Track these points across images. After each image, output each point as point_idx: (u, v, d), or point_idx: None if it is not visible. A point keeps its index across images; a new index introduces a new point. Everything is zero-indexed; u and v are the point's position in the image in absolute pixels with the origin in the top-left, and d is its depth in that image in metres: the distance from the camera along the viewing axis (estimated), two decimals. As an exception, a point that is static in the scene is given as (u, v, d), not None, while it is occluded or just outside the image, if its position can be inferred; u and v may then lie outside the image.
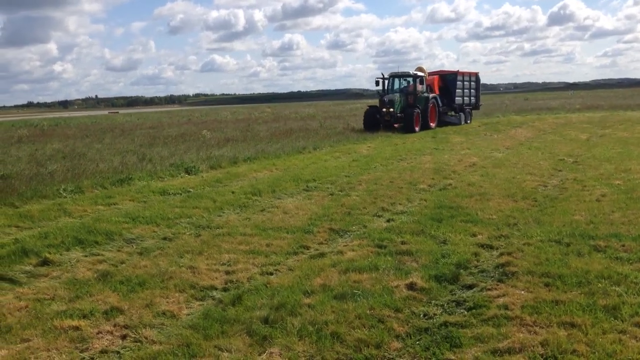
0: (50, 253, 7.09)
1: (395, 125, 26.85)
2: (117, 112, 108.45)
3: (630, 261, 6.26)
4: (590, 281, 5.65)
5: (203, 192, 11.54)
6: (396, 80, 29.37)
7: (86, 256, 7.17)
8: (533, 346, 4.37)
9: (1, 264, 6.72)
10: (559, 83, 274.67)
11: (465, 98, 31.94)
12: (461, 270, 6.14)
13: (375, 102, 29.77)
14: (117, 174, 13.62)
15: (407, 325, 4.85)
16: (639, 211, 8.55)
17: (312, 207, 9.79)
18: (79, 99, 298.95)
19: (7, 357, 4.38)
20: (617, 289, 5.42)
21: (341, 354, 4.37)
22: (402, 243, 7.28)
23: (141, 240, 7.88)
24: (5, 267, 6.63)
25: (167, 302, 5.53)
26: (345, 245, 7.36)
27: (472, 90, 32.87)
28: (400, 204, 9.90)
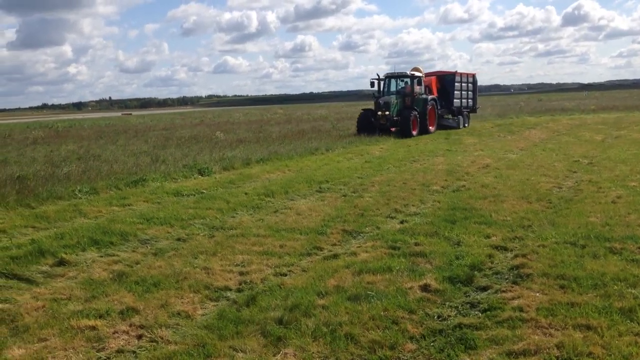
0: (66, 253, 7.16)
1: (392, 129, 25.54)
2: (131, 114, 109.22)
3: (647, 263, 6.20)
4: (606, 283, 5.61)
5: (216, 193, 11.59)
6: (392, 82, 27.76)
7: (101, 256, 7.23)
8: (548, 348, 4.35)
9: (18, 264, 6.79)
10: (573, 84, 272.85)
11: (463, 100, 30.60)
12: (475, 272, 6.12)
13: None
14: (131, 175, 13.72)
15: (422, 326, 4.84)
16: (655, 213, 8.47)
17: (325, 208, 9.80)
18: (92, 101, 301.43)
19: (25, 356, 4.43)
20: (633, 291, 5.38)
21: (355, 355, 4.37)
22: (416, 244, 7.27)
23: (155, 241, 7.93)
24: (22, 267, 6.70)
25: (182, 302, 5.56)
26: (359, 247, 7.37)
27: (469, 92, 31.49)
28: (413, 205, 9.88)
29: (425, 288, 5.68)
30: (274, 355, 4.39)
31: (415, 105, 26.00)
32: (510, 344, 4.46)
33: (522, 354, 4.30)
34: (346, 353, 4.39)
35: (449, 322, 4.93)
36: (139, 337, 4.81)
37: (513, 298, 5.39)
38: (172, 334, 4.83)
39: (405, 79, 27.19)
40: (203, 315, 5.27)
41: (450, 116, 29.82)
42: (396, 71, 27.87)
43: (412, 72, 26.81)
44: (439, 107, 27.95)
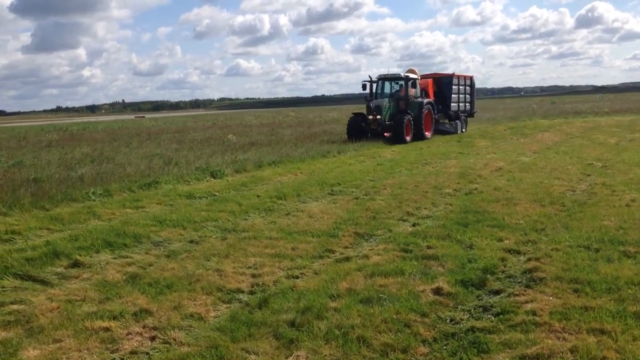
0: (80, 255, 7.22)
1: (386, 135, 24.05)
2: (144, 117, 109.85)
3: (662, 267, 6.14)
4: (620, 287, 5.57)
5: (229, 195, 11.63)
6: (386, 84, 26.32)
7: (115, 258, 7.28)
8: (562, 352, 4.33)
9: (33, 266, 6.85)
10: (587, 86, 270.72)
11: (460, 104, 29.17)
12: (488, 276, 6.10)
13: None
14: (144, 177, 13.80)
15: (434, 330, 4.84)
16: (670, 217, 8.39)
17: (337, 211, 9.81)
18: (106, 104, 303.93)
19: (40, 357, 4.48)
20: (648, 295, 5.34)
21: (368, 358, 4.38)
22: (428, 247, 7.26)
23: (168, 243, 7.98)
24: (37, 269, 6.77)
25: (195, 304, 5.59)
26: (371, 250, 7.36)
27: (467, 96, 30.11)
28: (425, 208, 9.86)
29: (437, 291, 5.67)
30: (286, 358, 4.40)
31: (410, 109, 24.69)
32: (524, 348, 4.44)
33: (536, 358, 4.28)
34: (358, 356, 4.40)
35: (461, 325, 4.92)
36: (152, 338, 4.84)
37: (526, 302, 5.37)
38: (185, 335, 4.86)
39: (400, 82, 25.78)
40: (215, 317, 5.29)
41: (447, 121, 28.62)
42: (389, 73, 26.20)
43: (407, 74, 25.51)
44: (435, 112, 26.57)
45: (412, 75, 25.63)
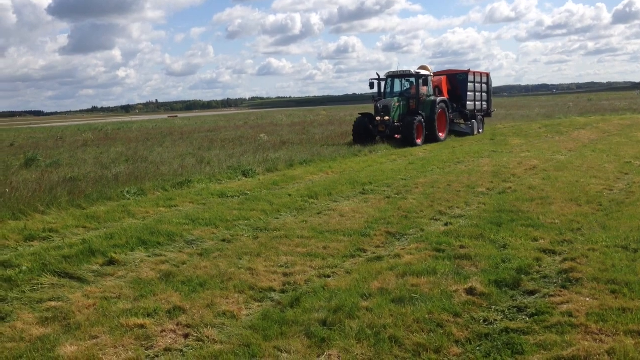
0: (115, 253, 7.34)
1: (397, 136, 22.34)
2: (176, 116, 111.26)
3: None
4: (660, 289, 5.42)
5: (260, 194, 11.70)
6: (396, 82, 24.40)
7: (149, 256, 7.39)
8: (599, 355, 4.24)
9: (70, 263, 7.00)
10: (625, 83, 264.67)
11: (477, 103, 27.49)
12: (522, 276, 6.00)
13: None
14: (177, 176, 13.98)
15: (467, 330, 4.78)
16: None
17: (368, 210, 9.78)
18: (140, 104, 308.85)
19: (77, 353, 4.57)
20: (689, 297, 5.19)
21: (400, 358, 4.35)
22: (461, 247, 7.19)
23: (201, 242, 8.06)
24: (74, 266, 6.91)
25: (227, 302, 5.64)
26: (403, 249, 7.32)
27: (483, 94, 28.41)
28: (458, 207, 9.76)
29: (470, 291, 5.60)
30: (318, 357, 4.40)
31: (422, 109, 22.90)
32: (559, 349, 4.36)
33: (572, 360, 4.20)
34: (390, 356, 4.37)
35: (495, 326, 4.85)
36: (186, 336, 4.90)
37: (562, 303, 5.27)
38: (217, 333, 4.90)
39: (410, 79, 23.97)
40: (248, 315, 5.33)
41: (462, 121, 26.83)
42: (399, 70, 24.21)
43: (418, 71, 23.66)
44: (450, 111, 24.75)
45: (423, 72, 23.84)
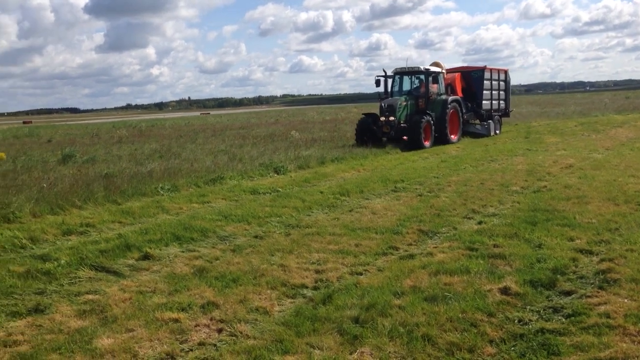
0: (150, 248, 7.46)
1: (404, 138, 20.75)
2: (209, 113, 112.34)
3: None
4: (702, 291, 5.27)
5: (292, 191, 11.74)
6: (405, 79, 22.70)
7: (183, 252, 7.48)
8: (637, 357, 4.15)
9: (107, 258, 7.13)
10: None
11: (494, 102, 25.80)
12: (558, 276, 5.90)
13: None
14: (209, 173, 14.11)
15: (501, 330, 4.72)
16: None
17: (400, 208, 9.73)
18: (173, 101, 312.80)
19: (114, 346, 4.65)
20: None
21: (433, 356, 4.32)
22: (495, 246, 7.10)
23: (234, 238, 8.13)
24: (110, 261, 7.04)
25: (260, 298, 5.68)
26: (435, 247, 7.27)
27: (501, 92, 26.62)
28: (491, 206, 9.65)
29: (504, 291, 5.53)
30: (351, 354, 4.40)
31: (431, 109, 21.34)
32: (596, 351, 4.28)
33: (610, 362, 4.12)
34: (423, 354, 4.35)
35: (530, 326, 4.78)
36: (219, 330, 4.95)
37: (599, 304, 5.17)
38: (250, 329, 4.94)
39: (420, 76, 22.31)
40: (280, 311, 5.36)
41: (477, 121, 25.06)
42: (408, 66, 22.41)
43: (427, 67, 22.06)
44: (463, 111, 23.09)
45: (433, 69, 22.28)
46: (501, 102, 26.82)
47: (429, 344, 4.49)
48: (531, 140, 21.62)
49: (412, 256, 6.90)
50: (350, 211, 9.67)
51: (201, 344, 4.70)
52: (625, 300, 5.20)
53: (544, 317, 4.98)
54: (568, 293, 5.50)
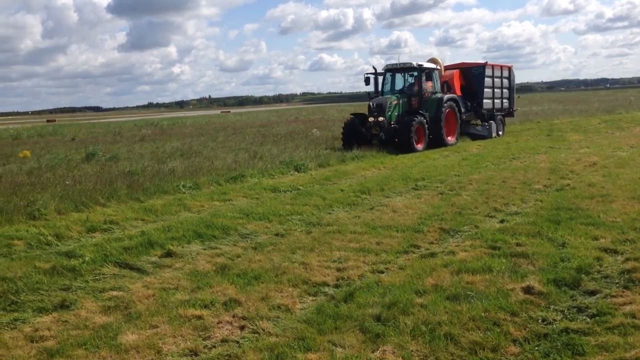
0: (173, 245, 7.53)
1: (397, 140, 19.11)
2: (229, 112, 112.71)
3: None
4: None
5: (312, 189, 11.76)
6: (398, 77, 21.20)
7: (205, 249, 7.54)
8: (665, 359, 4.08)
9: (130, 255, 7.22)
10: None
11: (496, 101, 24.11)
12: (582, 275, 5.83)
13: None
14: (230, 171, 14.19)
15: (525, 329, 4.69)
16: None
17: (421, 206, 9.70)
18: (194, 100, 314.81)
19: (138, 342, 4.71)
20: None
21: (456, 355, 4.30)
22: (517, 245, 7.04)
23: (255, 236, 8.17)
24: (134, 258, 7.12)
25: (282, 296, 5.70)
26: (457, 246, 7.23)
27: (504, 90, 24.79)
28: (513, 204, 9.56)
29: (528, 290, 5.48)
30: (373, 352, 4.40)
31: (425, 108, 19.80)
32: (622, 351, 4.22)
33: (636, 363, 4.06)
34: (446, 353, 4.33)
35: (554, 326, 4.74)
36: (242, 327, 4.98)
37: (624, 304, 5.10)
38: (272, 326, 4.97)
39: (413, 73, 20.63)
40: (302, 309, 5.37)
41: (478, 122, 23.55)
42: (399, 62, 20.76)
43: (420, 64, 20.34)
44: (463, 110, 21.55)
45: (427, 65, 20.69)
46: (504, 101, 25.07)
47: (451, 343, 4.47)
48: (554, 138, 21.38)
49: (433, 255, 6.88)
50: (371, 209, 9.66)
51: (224, 340, 4.73)
52: (652, 301, 5.12)
53: (568, 316, 4.93)
54: (592, 293, 5.44)
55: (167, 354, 4.51)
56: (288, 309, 5.35)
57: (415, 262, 6.60)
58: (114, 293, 5.95)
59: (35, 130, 47.50)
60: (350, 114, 20.88)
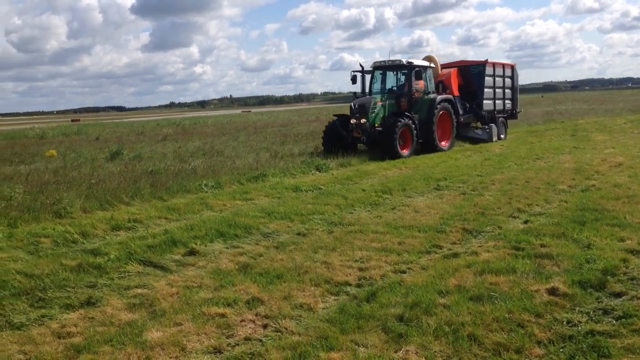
0: (195, 244, 7.59)
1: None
2: (250, 111, 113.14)
3: None
4: None
5: (334, 189, 11.76)
6: (389, 75, 19.60)
7: (227, 248, 7.59)
8: (694, 363, 4.02)
9: (154, 253, 7.29)
10: None
11: (497, 101, 22.52)
12: (608, 277, 5.75)
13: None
14: (252, 170, 14.25)
15: (550, 331, 4.65)
16: None
17: (443, 206, 9.65)
18: (215, 99, 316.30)
19: (163, 339, 4.76)
20: None
21: (479, 356, 4.28)
22: (542, 246, 6.97)
23: (277, 235, 8.20)
24: (158, 256, 7.20)
25: (304, 295, 5.72)
26: (480, 246, 7.18)
27: (506, 90, 23.22)
28: (537, 205, 9.47)
29: (552, 291, 5.43)
30: (396, 352, 4.40)
31: (415, 110, 18.17)
32: (649, 355, 4.16)
33: (664, 366, 4.00)
34: (469, 354, 4.31)
35: (579, 328, 4.69)
36: (265, 326, 5.01)
37: (652, 306, 5.02)
38: (295, 325, 4.99)
39: (403, 71, 18.99)
40: (324, 308, 5.38)
41: (478, 124, 22.20)
42: (388, 59, 19.16)
43: (410, 61, 18.65)
44: (460, 112, 20.19)
45: (418, 62, 18.97)
46: (507, 102, 23.43)
47: (475, 344, 4.45)
48: (578, 138, 21.11)
49: (456, 255, 6.85)
50: (392, 209, 9.64)
51: (247, 339, 4.76)
52: (680, 303, 5.04)
53: (594, 318, 4.87)
54: (618, 295, 5.37)
55: (191, 352, 4.56)
56: (310, 308, 5.37)
57: (438, 263, 6.58)
58: (139, 291, 6.02)
59: (60, 129, 48.14)
60: (334, 115, 19.28)
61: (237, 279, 6.24)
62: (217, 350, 4.57)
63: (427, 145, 18.28)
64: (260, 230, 8.41)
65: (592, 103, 54.01)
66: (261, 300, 5.58)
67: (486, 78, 21.52)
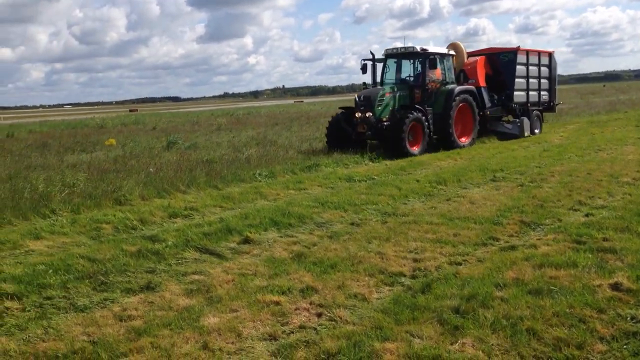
0: (250, 232, 7.68)
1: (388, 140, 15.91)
2: (302, 101, 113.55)
3: None
4: None
5: (387, 179, 11.69)
6: (405, 64, 17.79)
7: (281, 237, 7.65)
8: None
9: (210, 240, 7.42)
10: None
11: (531, 93, 20.45)
12: (676, 273, 5.51)
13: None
14: (305, 160, 14.31)
15: (612, 327, 4.48)
16: None
17: (500, 197, 9.45)
18: (268, 89, 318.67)
19: (220, 324, 4.84)
20: None
21: (539, 351, 4.17)
22: (604, 240, 6.73)
23: (330, 225, 8.20)
24: (214, 243, 7.32)
25: (358, 285, 5.71)
26: (539, 239, 7.00)
27: (542, 81, 21.01)
28: (599, 197, 9.15)
29: (616, 287, 5.24)
30: (452, 344, 4.33)
31: (430, 103, 16.60)
32: None
33: None
34: (528, 348, 4.21)
35: (645, 325, 4.51)
36: (319, 315, 5.03)
37: None
38: (349, 314, 4.98)
39: (417, 59, 17.25)
40: (378, 298, 5.36)
41: (509, 117, 20.25)
42: (402, 46, 17.24)
43: (425, 48, 16.63)
44: (487, 105, 18.50)
45: (433, 49, 16.95)
46: (542, 93, 21.25)
47: (534, 339, 4.34)
48: (643, 129, 20.27)
49: (513, 247, 6.69)
50: (447, 200, 9.51)
51: (301, 327, 4.79)
52: None
53: (660, 316, 4.67)
54: (687, 292, 5.13)
55: (247, 338, 4.62)
56: (364, 298, 5.35)
57: (495, 255, 6.44)
58: (196, 277, 6.14)
59: (119, 119, 49.59)
60: (339, 108, 17.73)
61: (292, 268, 6.28)
62: (273, 337, 4.62)
63: (443, 142, 16.71)
64: (314, 220, 8.44)
65: (657, 92, 51.74)
66: (315, 289, 5.60)
67: (518, 67, 19.60)
